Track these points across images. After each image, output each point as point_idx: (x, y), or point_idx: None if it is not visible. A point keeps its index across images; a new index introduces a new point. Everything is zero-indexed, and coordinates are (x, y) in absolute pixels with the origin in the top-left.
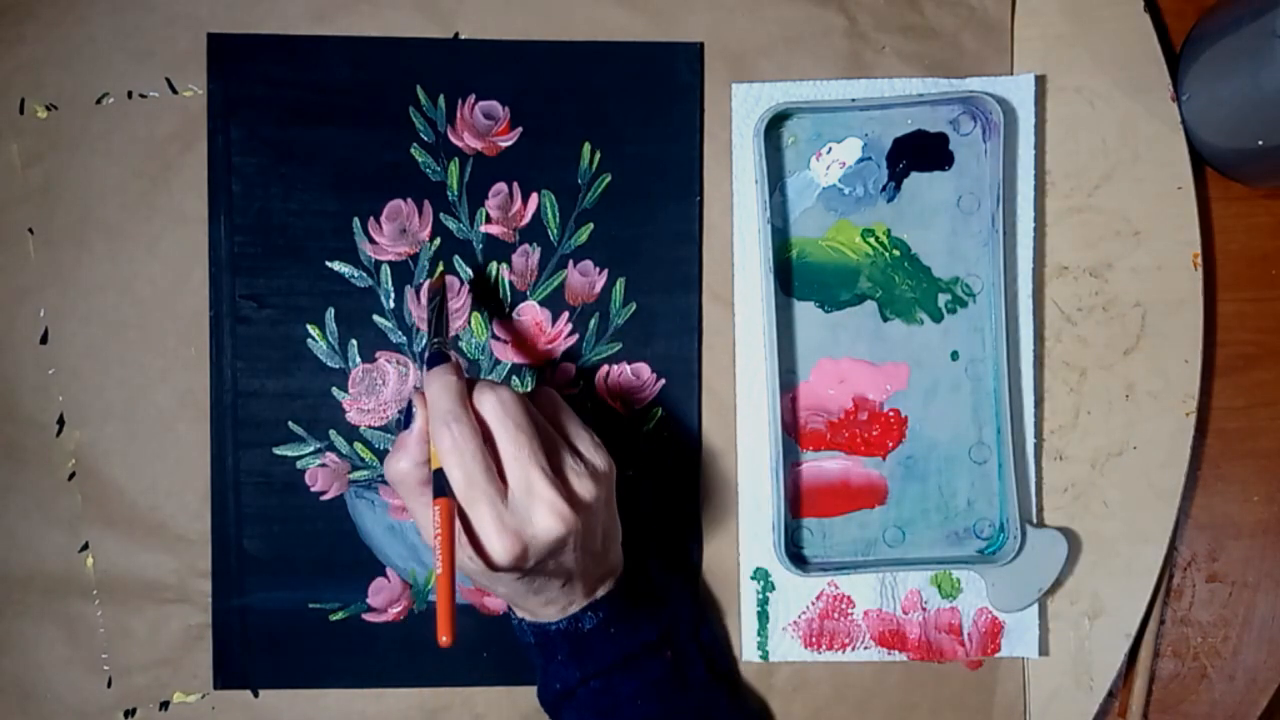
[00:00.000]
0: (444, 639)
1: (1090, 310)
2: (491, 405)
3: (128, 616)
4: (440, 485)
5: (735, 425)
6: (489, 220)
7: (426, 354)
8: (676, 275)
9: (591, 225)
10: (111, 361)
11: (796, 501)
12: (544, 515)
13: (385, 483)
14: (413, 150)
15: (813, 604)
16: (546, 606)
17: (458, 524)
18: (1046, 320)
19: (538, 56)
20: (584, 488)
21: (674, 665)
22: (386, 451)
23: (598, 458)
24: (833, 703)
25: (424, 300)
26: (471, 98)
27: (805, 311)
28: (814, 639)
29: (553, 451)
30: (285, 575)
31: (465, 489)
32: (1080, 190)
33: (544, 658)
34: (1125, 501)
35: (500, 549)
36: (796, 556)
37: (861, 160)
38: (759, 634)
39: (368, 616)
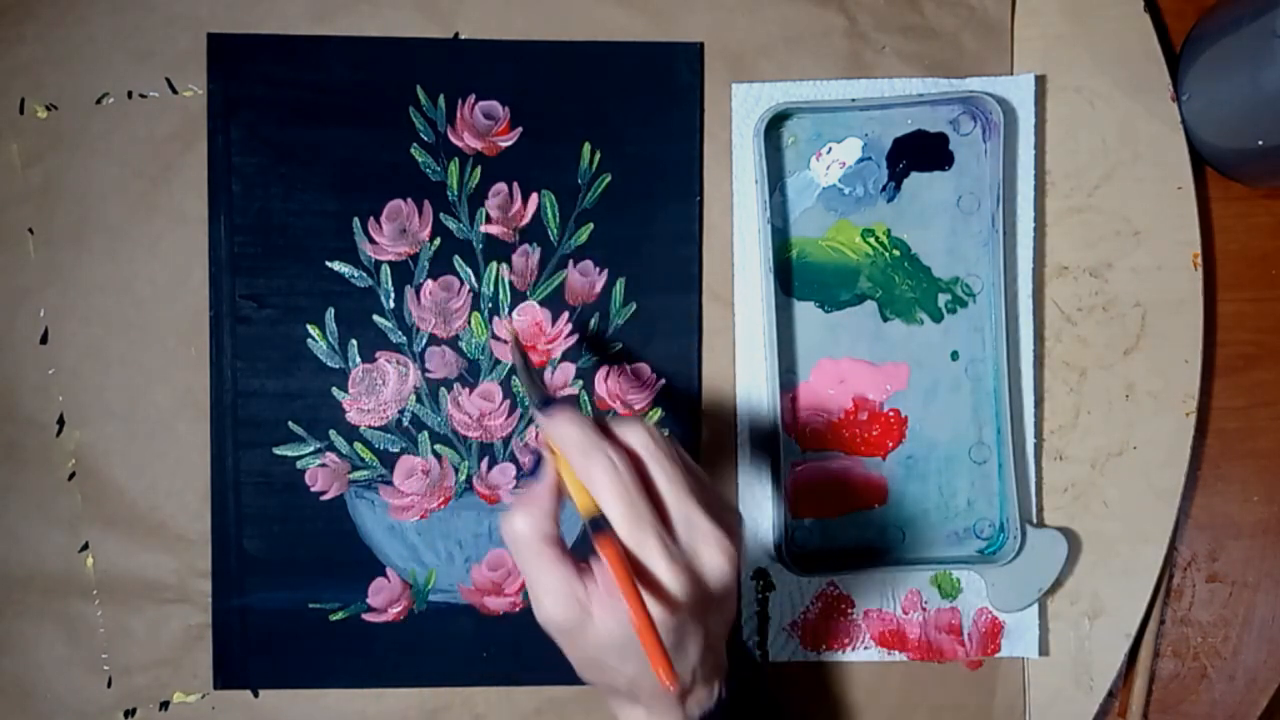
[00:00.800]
0: (670, 686)
1: (1090, 310)
2: (643, 439)
3: (128, 616)
4: (597, 526)
5: (735, 425)
6: (489, 220)
7: (540, 403)
8: (676, 275)
9: (591, 225)
10: (111, 361)
11: (796, 501)
12: (711, 552)
13: (386, 482)
14: (413, 150)
15: (813, 604)
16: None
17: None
18: (1046, 320)
19: (538, 56)
20: (738, 535)
21: None
22: (386, 451)
23: (732, 513)
24: (833, 703)
25: (511, 355)
26: (471, 98)
27: (805, 311)
28: (814, 639)
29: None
30: (285, 575)
31: (631, 523)
32: (1080, 190)
33: None
34: (1125, 501)
35: (675, 582)
36: (796, 556)
37: (861, 160)
38: (759, 634)
39: (368, 616)
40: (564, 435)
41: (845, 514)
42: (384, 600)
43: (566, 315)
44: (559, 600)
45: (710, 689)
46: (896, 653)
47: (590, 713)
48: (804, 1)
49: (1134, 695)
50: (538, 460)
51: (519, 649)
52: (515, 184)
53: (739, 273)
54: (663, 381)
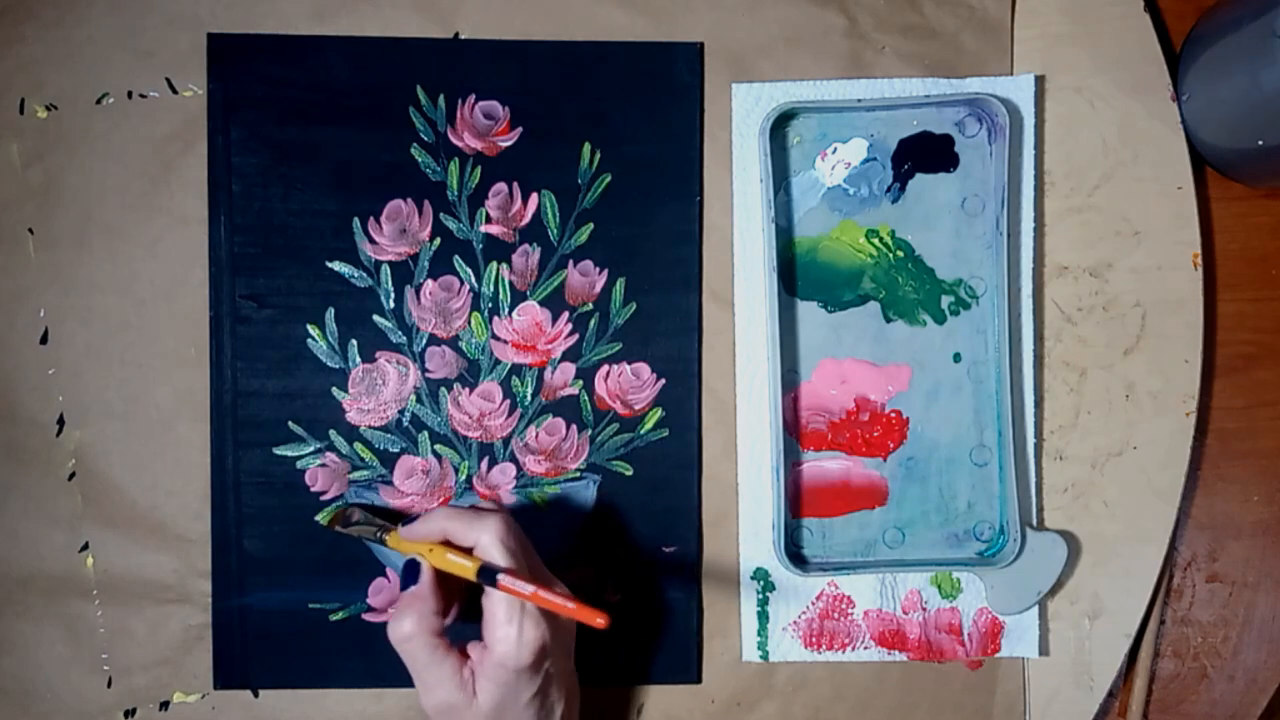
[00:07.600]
0: (602, 622)
1: (1090, 310)
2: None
3: (128, 616)
4: (488, 573)
5: (735, 425)
6: (489, 220)
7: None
8: (676, 275)
9: (591, 225)
10: (111, 361)
11: (797, 501)
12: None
13: (386, 482)
14: (413, 150)
15: (813, 604)
16: None
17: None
18: (1046, 320)
19: (538, 56)
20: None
21: None
22: (386, 451)
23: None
24: (833, 703)
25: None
26: (471, 98)
27: (808, 311)
28: (814, 639)
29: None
30: (285, 575)
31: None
32: (1080, 190)
33: None
34: (1125, 501)
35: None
36: (796, 556)
37: (866, 161)
38: (759, 634)
39: (368, 616)
40: (443, 522)
41: (845, 514)
42: (384, 600)
43: (566, 315)
44: (451, 686)
45: None
46: (896, 653)
47: (589, 711)
48: (804, 1)
49: (1134, 695)
50: (410, 570)
51: None
52: (515, 184)
53: (739, 272)
54: (663, 381)
